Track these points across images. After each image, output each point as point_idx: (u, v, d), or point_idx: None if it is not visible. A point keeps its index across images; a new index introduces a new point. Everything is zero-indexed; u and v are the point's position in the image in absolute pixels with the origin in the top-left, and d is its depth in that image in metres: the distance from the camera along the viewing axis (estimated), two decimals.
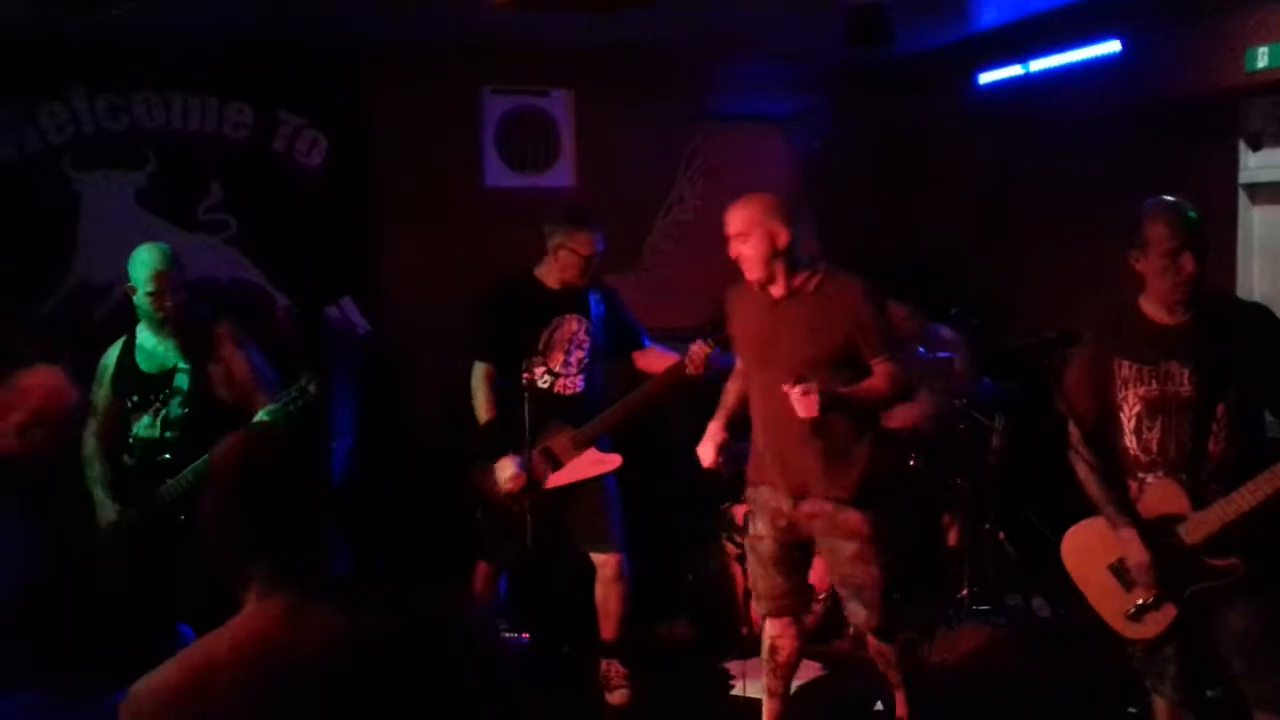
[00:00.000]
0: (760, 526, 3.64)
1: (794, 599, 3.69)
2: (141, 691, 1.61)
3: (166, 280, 3.64)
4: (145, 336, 3.76)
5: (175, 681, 1.60)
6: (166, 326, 3.69)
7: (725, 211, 3.51)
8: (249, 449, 1.84)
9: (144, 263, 3.66)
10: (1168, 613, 2.94)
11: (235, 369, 3.70)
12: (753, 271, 3.45)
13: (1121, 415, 2.98)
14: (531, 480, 4.02)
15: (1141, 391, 2.94)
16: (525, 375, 4.12)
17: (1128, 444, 2.98)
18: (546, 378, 4.18)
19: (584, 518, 4.22)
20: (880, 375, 3.44)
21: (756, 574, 3.70)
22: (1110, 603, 3.05)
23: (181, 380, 3.64)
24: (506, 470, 4.10)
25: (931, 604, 4.83)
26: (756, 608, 3.82)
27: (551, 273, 4.20)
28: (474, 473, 4.24)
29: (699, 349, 4.02)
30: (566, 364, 4.21)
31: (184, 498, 3.59)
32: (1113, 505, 2.97)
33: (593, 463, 4.19)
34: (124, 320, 3.94)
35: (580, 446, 4.17)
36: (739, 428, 3.74)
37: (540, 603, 4.61)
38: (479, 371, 4.20)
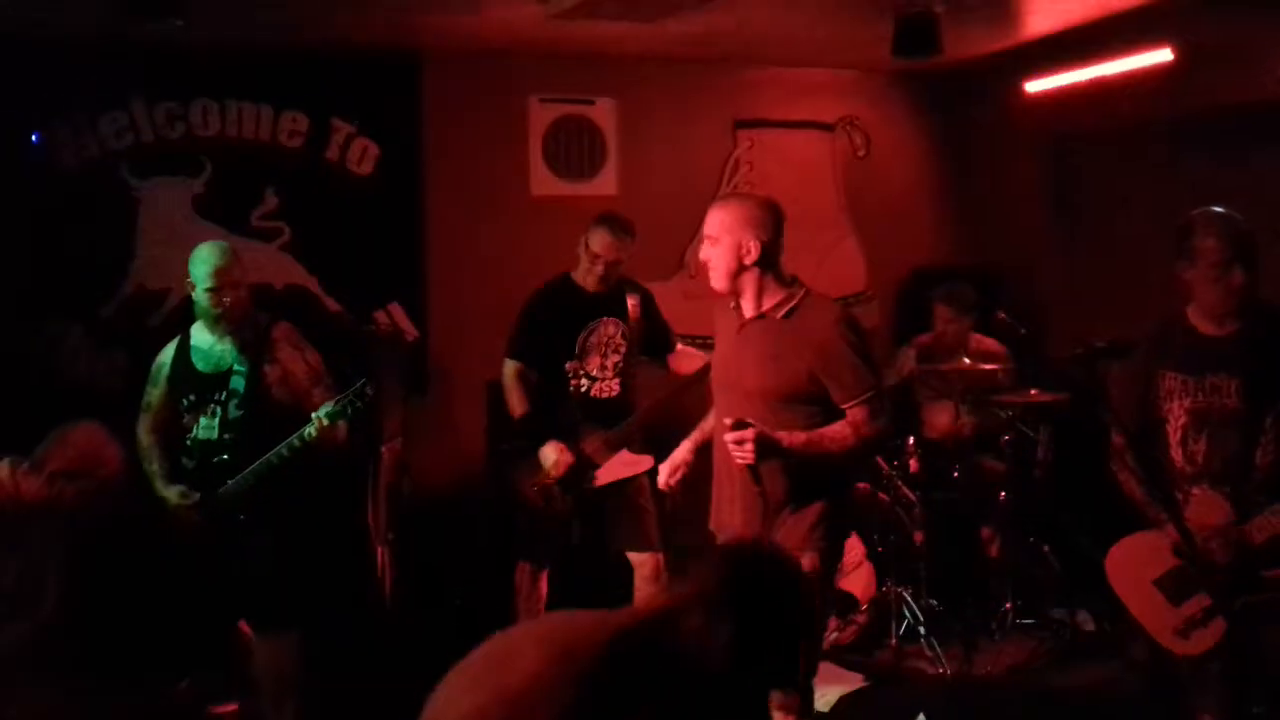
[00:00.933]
0: None
1: None
2: None
3: (226, 277, 3.66)
4: (201, 336, 3.79)
5: None
6: (223, 324, 3.70)
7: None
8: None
9: (204, 259, 3.68)
10: (1216, 628, 2.91)
11: (294, 370, 3.73)
12: (715, 281, 3.14)
13: (1167, 427, 2.97)
14: (573, 471, 4.07)
15: (1188, 403, 2.92)
16: (564, 374, 4.19)
17: (1174, 455, 2.97)
18: (585, 382, 4.23)
19: (622, 518, 4.24)
20: (848, 423, 3.01)
21: None
22: (1156, 618, 3.03)
23: (238, 382, 3.67)
24: (552, 454, 4.11)
25: (975, 616, 4.81)
26: None
27: (590, 277, 4.26)
28: (513, 471, 4.28)
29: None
30: (603, 368, 4.26)
31: (243, 498, 3.65)
32: (1155, 506, 2.95)
33: (625, 464, 4.21)
34: (179, 327, 4.00)
35: (613, 448, 4.21)
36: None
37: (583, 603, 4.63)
38: (509, 370, 4.27)
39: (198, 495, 3.68)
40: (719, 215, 3.13)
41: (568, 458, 4.10)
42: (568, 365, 4.22)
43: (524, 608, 4.37)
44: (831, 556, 3.18)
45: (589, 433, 4.21)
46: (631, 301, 4.34)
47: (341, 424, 3.57)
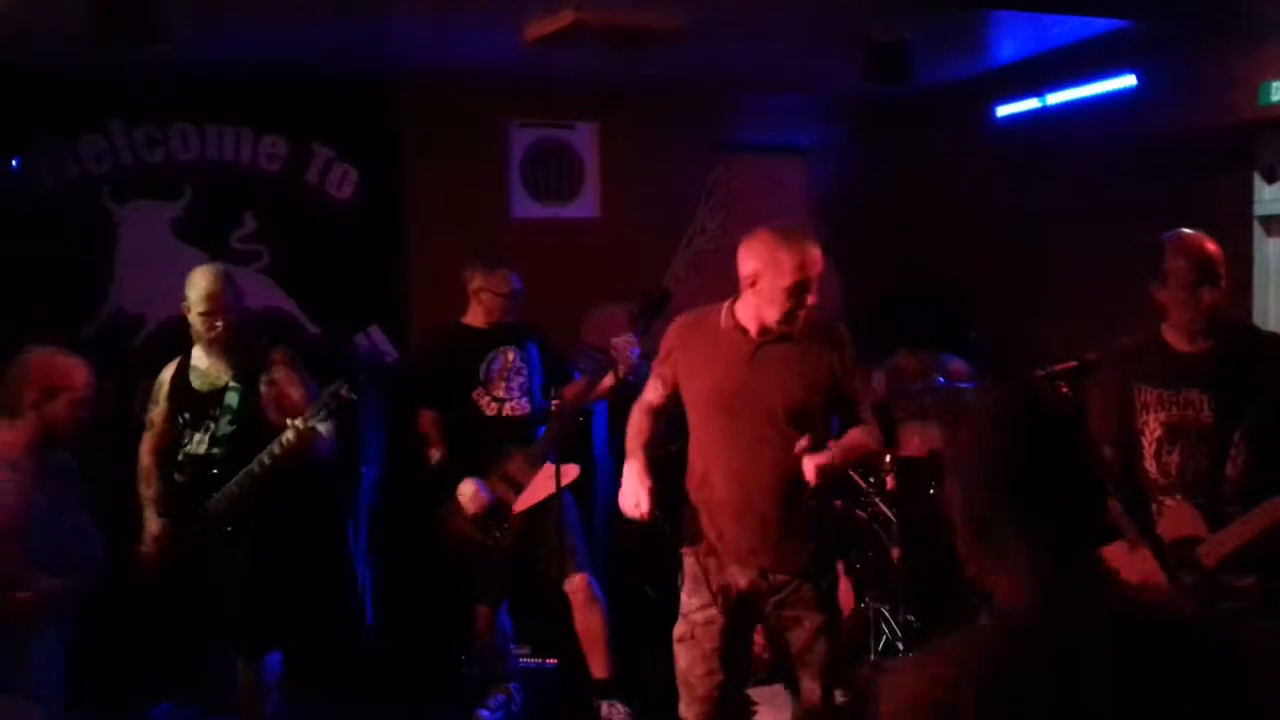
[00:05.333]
0: (701, 600, 3.14)
1: (731, 703, 3.22)
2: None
3: (220, 301, 3.69)
4: (198, 356, 3.82)
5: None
6: (216, 347, 3.74)
7: (803, 249, 3.01)
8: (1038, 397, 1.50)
9: (198, 283, 3.71)
10: None
11: (289, 393, 3.75)
12: (798, 317, 3.04)
13: (1142, 439, 3.05)
14: (497, 502, 4.11)
15: (1162, 417, 3.00)
16: (473, 403, 4.26)
17: (1148, 467, 3.04)
18: (493, 404, 4.30)
19: (545, 540, 4.22)
20: (865, 429, 3.14)
21: (692, 664, 3.14)
22: None
23: (232, 399, 3.69)
24: (467, 490, 4.14)
25: (950, 632, 4.84)
26: (685, 712, 3.20)
27: (478, 315, 4.38)
28: (441, 514, 4.25)
29: (623, 344, 3.96)
30: (509, 389, 4.33)
31: (230, 510, 3.66)
32: (1134, 526, 3.03)
33: (549, 477, 4.19)
34: (158, 349, 4.04)
35: (535, 464, 4.22)
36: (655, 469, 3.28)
37: (556, 627, 4.63)
38: (423, 420, 4.32)
39: (178, 533, 3.70)
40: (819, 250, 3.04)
41: (483, 498, 4.13)
42: (474, 393, 4.29)
43: (487, 645, 4.38)
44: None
45: (509, 454, 4.24)
46: (529, 338, 4.43)
47: (321, 429, 3.56)
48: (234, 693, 3.81)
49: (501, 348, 4.36)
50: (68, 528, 3.16)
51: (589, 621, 4.23)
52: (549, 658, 4.71)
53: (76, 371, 3.23)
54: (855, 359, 3.17)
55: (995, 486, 1.38)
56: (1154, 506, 3.05)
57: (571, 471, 4.27)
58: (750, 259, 3.04)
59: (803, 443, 2.95)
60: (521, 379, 4.37)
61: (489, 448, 4.23)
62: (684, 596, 3.22)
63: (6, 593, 2.93)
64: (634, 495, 3.18)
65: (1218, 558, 2.90)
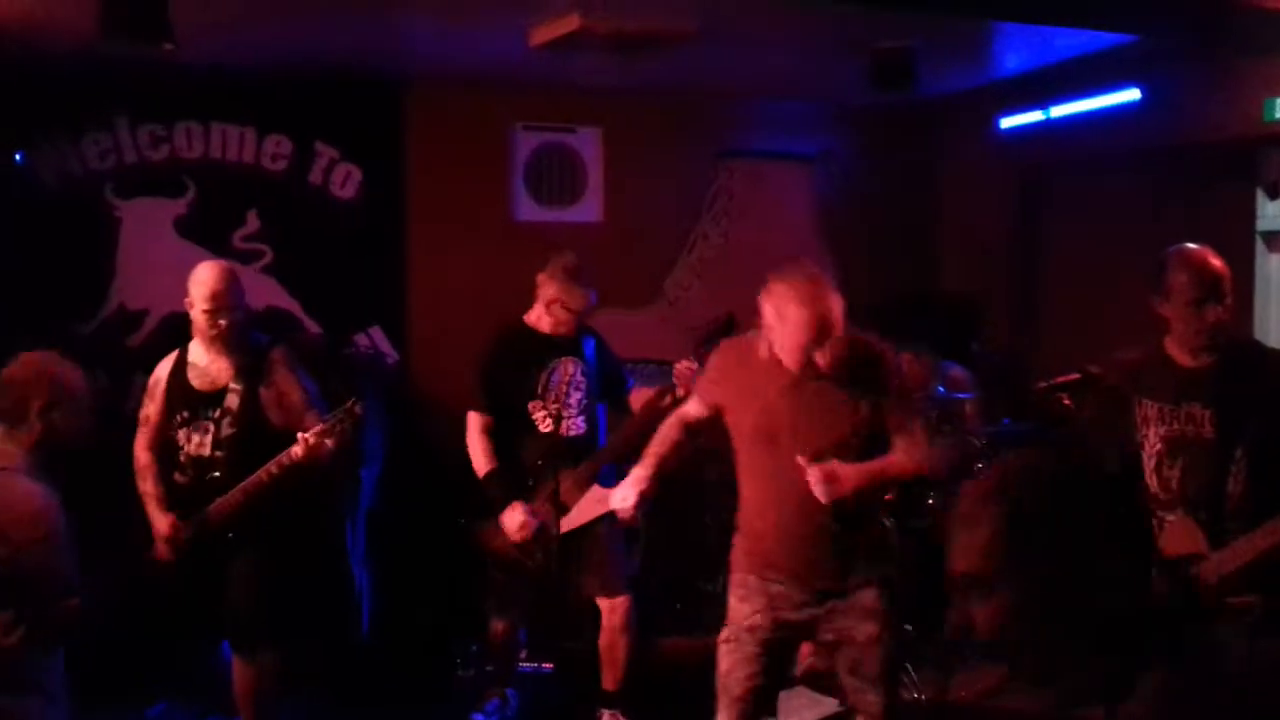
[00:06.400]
0: (752, 607, 3.16)
1: (764, 706, 3.24)
2: None
3: (224, 300, 3.66)
4: (198, 354, 3.78)
5: None
6: (219, 345, 3.71)
7: (816, 306, 2.99)
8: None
9: (203, 280, 3.67)
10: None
11: (288, 392, 3.73)
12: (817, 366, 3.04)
13: (1143, 453, 3.04)
14: (542, 528, 3.97)
15: (1163, 431, 3.00)
16: (527, 416, 4.08)
17: (1149, 481, 3.04)
18: (549, 420, 4.10)
19: (588, 565, 4.11)
20: (907, 451, 3.10)
21: (732, 667, 3.17)
22: None
23: (233, 400, 3.68)
24: (515, 519, 3.98)
25: (949, 642, 4.86)
26: (721, 715, 3.21)
27: (544, 320, 4.17)
28: (480, 530, 4.13)
29: (685, 369, 3.88)
30: (567, 405, 4.14)
31: (231, 517, 3.65)
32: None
33: (596, 501, 4.05)
34: (159, 347, 4.01)
35: (582, 486, 4.09)
36: (667, 484, 3.28)
37: (555, 632, 4.63)
38: (474, 423, 4.10)
39: (187, 530, 3.66)
40: (833, 291, 3.03)
41: (530, 522, 3.97)
42: (530, 405, 4.12)
43: (500, 657, 4.34)
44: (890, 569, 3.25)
45: (560, 473, 4.06)
46: (588, 344, 4.27)
47: (328, 443, 3.56)
48: (230, 692, 3.81)
49: (564, 358, 4.15)
50: None
51: (617, 644, 4.14)
52: (545, 662, 4.71)
53: (80, 379, 3.21)
54: (900, 387, 3.13)
55: None
56: (1155, 522, 3.05)
57: None
58: (766, 310, 3.04)
59: (800, 461, 2.96)
60: (580, 395, 4.17)
61: (540, 466, 4.01)
62: (733, 603, 3.22)
63: (60, 601, 2.94)
64: (625, 493, 3.19)
65: (1219, 576, 2.90)
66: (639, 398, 4.28)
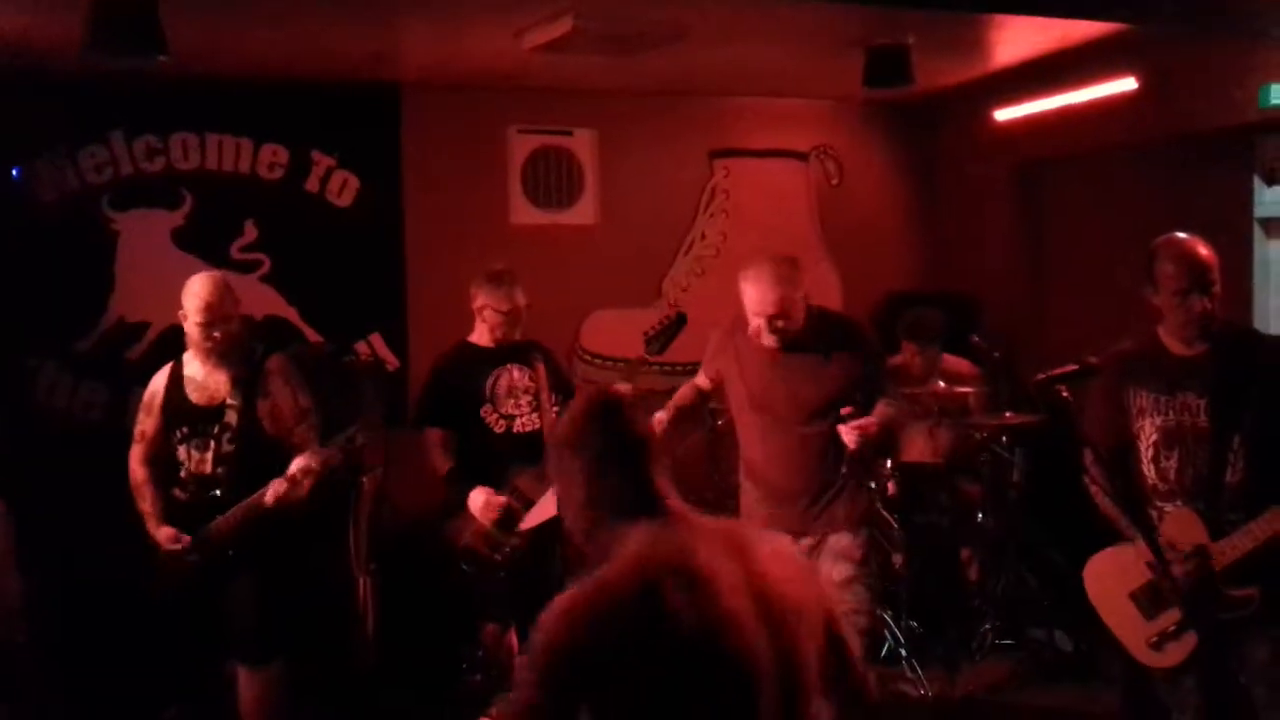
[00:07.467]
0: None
1: None
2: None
3: (218, 311, 3.63)
4: (194, 367, 3.74)
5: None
6: (214, 357, 3.68)
7: (764, 289, 3.50)
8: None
9: (196, 292, 3.64)
10: (1188, 641, 2.97)
11: (281, 405, 3.72)
12: (793, 324, 3.54)
13: (1139, 444, 3.03)
14: (506, 511, 4.04)
15: (1159, 421, 2.99)
16: (480, 420, 4.19)
17: (1146, 472, 3.03)
18: (502, 421, 4.23)
19: (555, 556, 4.16)
20: (889, 403, 3.60)
21: None
22: (1132, 631, 3.08)
23: (232, 415, 3.65)
24: (479, 499, 4.07)
25: (955, 638, 4.85)
26: None
27: (483, 334, 4.29)
28: (449, 531, 4.19)
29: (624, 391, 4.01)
30: (517, 405, 4.26)
31: (233, 534, 3.64)
32: (1126, 519, 3.02)
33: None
34: (160, 360, 3.97)
35: (541, 482, 4.10)
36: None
37: None
38: (427, 438, 4.23)
39: (188, 539, 3.65)
40: (792, 273, 3.52)
41: (496, 499, 4.06)
42: (481, 410, 4.22)
43: (495, 661, 4.35)
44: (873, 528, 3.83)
45: (519, 470, 4.16)
46: (535, 358, 4.34)
47: (307, 484, 3.57)
48: (235, 702, 3.80)
49: (506, 365, 4.27)
50: None
51: None
52: None
53: None
54: (876, 357, 3.66)
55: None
56: (1154, 513, 3.04)
57: None
58: (741, 292, 3.56)
59: (845, 410, 3.40)
60: (530, 396, 4.29)
61: (499, 465, 4.14)
62: None
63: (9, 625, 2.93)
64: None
65: (1220, 566, 2.89)
66: None
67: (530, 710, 1.66)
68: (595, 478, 1.82)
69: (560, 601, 1.70)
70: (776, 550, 1.83)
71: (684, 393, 3.91)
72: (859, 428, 3.39)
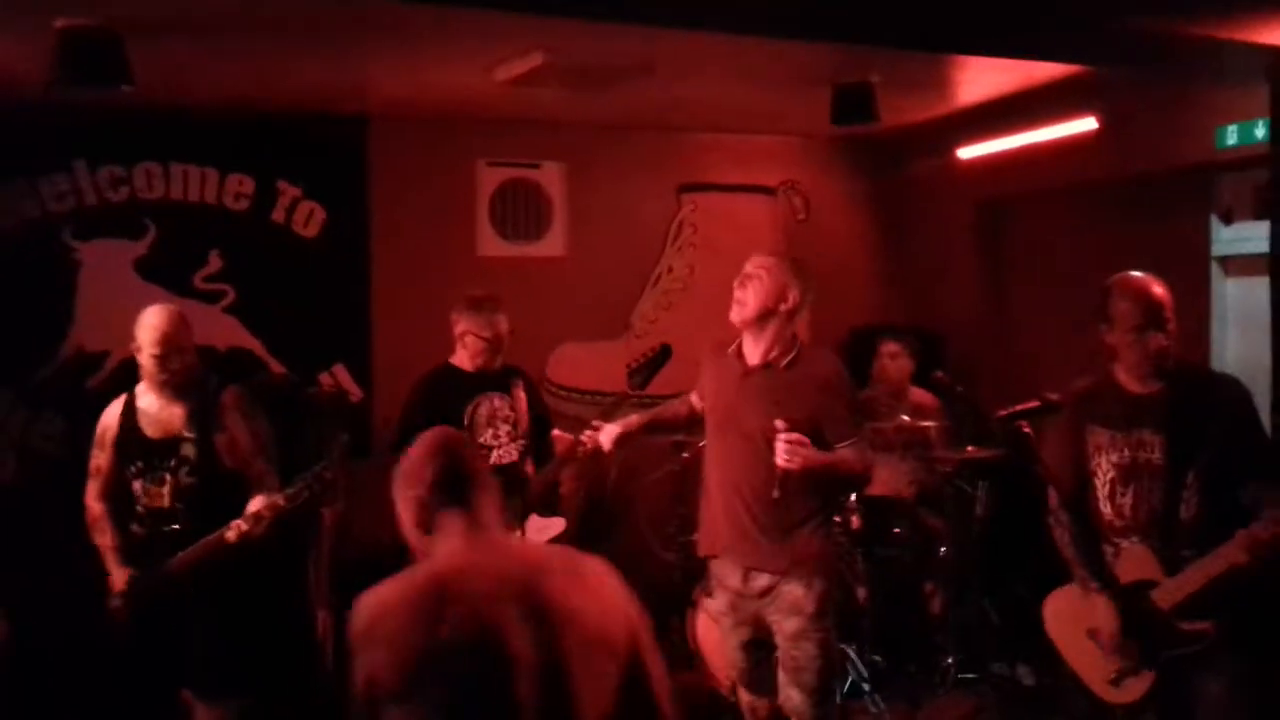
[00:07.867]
0: (720, 603, 3.57)
1: (757, 676, 3.52)
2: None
3: (173, 343, 3.58)
4: (148, 399, 3.69)
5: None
6: (169, 390, 3.63)
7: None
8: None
9: (151, 324, 3.60)
10: (1146, 678, 2.99)
11: (238, 437, 3.68)
12: (741, 314, 3.36)
13: (1096, 481, 3.06)
14: None
15: (1115, 458, 3.02)
16: None
17: (1102, 509, 3.06)
18: (482, 452, 4.14)
19: None
20: (852, 449, 3.33)
21: (722, 641, 3.60)
22: (1092, 668, 3.10)
23: (189, 449, 3.60)
24: None
25: (917, 671, 4.85)
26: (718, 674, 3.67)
27: (465, 359, 4.27)
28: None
29: (591, 439, 3.98)
30: (496, 436, 4.23)
31: (192, 569, 3.57)
32: (1086, 569, 3.04)
33: (536, 530, 4.12)
34: (120, 389, 3.92)
35: (519, 518, 4.13)
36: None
37: None
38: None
39: (144, 584, 3.60)
40: (767, 258, 3.45)
41: None
42: None
43: None
44: (830, 577, 3.50)
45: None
46: (516, 384, 4.34)
47: (266, 519, 3.52)
48: None
49: (487, 393, 4.24)
50: None
51: None
52: None
53: None
54: (846, 393, 3.41)
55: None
56: (1110, 549, 3.06)
57: (557, 525, 4.21)
58: None
59: (780, 424, 3.19)
60: (509, 426, 4.26)
61: None
62: (714, 596, 3.64)
63: None
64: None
65: (1173, 603, 2.91)
66: (560, 441, 4.34)
67: (353, 686, 1.96)
68: (426, 506, 2.14)
69: (366, 593, 2.02)
70: (584, 577, 2.07)
71: (674, 406, 3.87)
72: (791, 442, 3.15)
